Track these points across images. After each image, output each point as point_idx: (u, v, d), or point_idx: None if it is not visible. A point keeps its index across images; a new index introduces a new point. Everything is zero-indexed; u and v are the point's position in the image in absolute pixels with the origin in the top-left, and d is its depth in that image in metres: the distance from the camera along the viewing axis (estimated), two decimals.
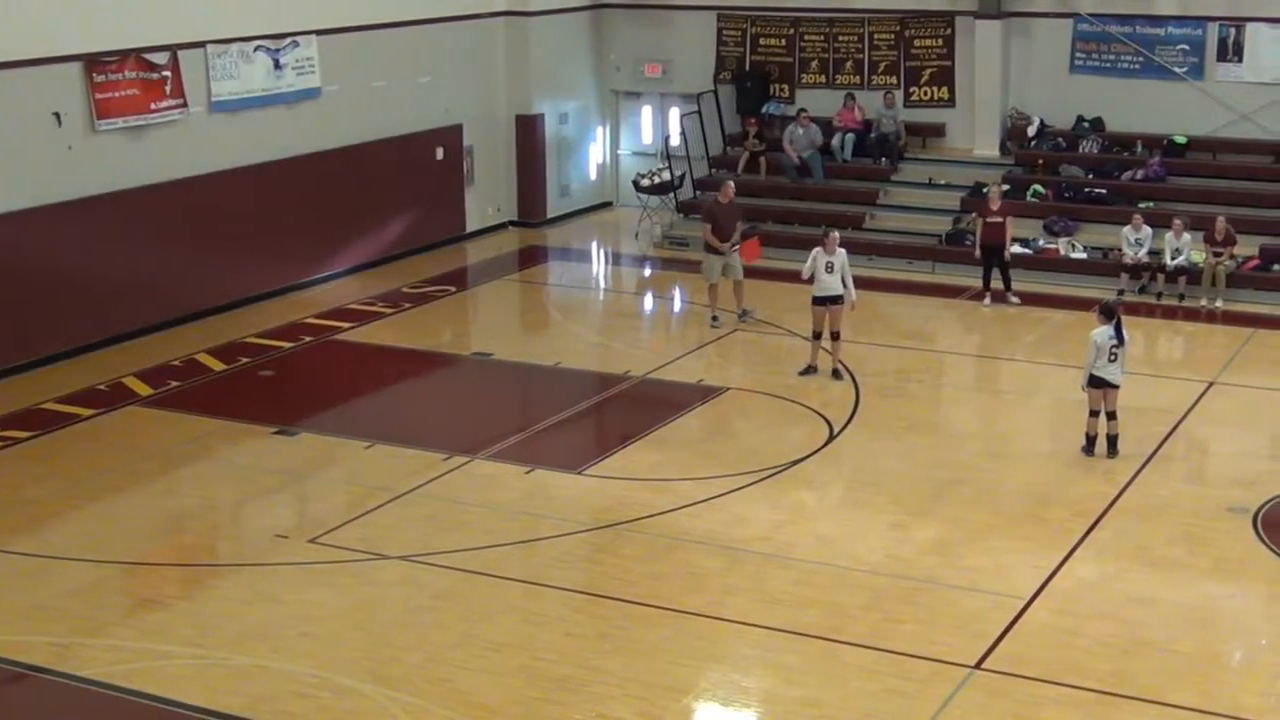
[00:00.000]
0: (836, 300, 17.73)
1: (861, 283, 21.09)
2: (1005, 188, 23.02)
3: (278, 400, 17.64)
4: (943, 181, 24.71)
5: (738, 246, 20.15)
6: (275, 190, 21.48)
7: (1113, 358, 15.11)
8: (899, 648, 11.48)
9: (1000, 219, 21.26)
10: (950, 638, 11.64)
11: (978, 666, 11.21)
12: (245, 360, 18.94)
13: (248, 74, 20.99)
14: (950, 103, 25.32)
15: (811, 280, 17.78)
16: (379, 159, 23.24)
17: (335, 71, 22.36)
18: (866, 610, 12.14)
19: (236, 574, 13.06)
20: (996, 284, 21.34)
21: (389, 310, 21.30)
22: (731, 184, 20.97)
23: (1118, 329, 15.07)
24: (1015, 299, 21.26)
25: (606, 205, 28.00)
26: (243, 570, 13.11)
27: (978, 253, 21.35)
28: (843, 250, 17.82)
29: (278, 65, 21.42)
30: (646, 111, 27.81)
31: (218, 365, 18.80)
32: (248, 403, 17.36)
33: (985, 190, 22.24)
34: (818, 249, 17.76)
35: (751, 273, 20.70)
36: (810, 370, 17.79)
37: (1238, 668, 11.45)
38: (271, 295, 21.55)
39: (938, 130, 25.44)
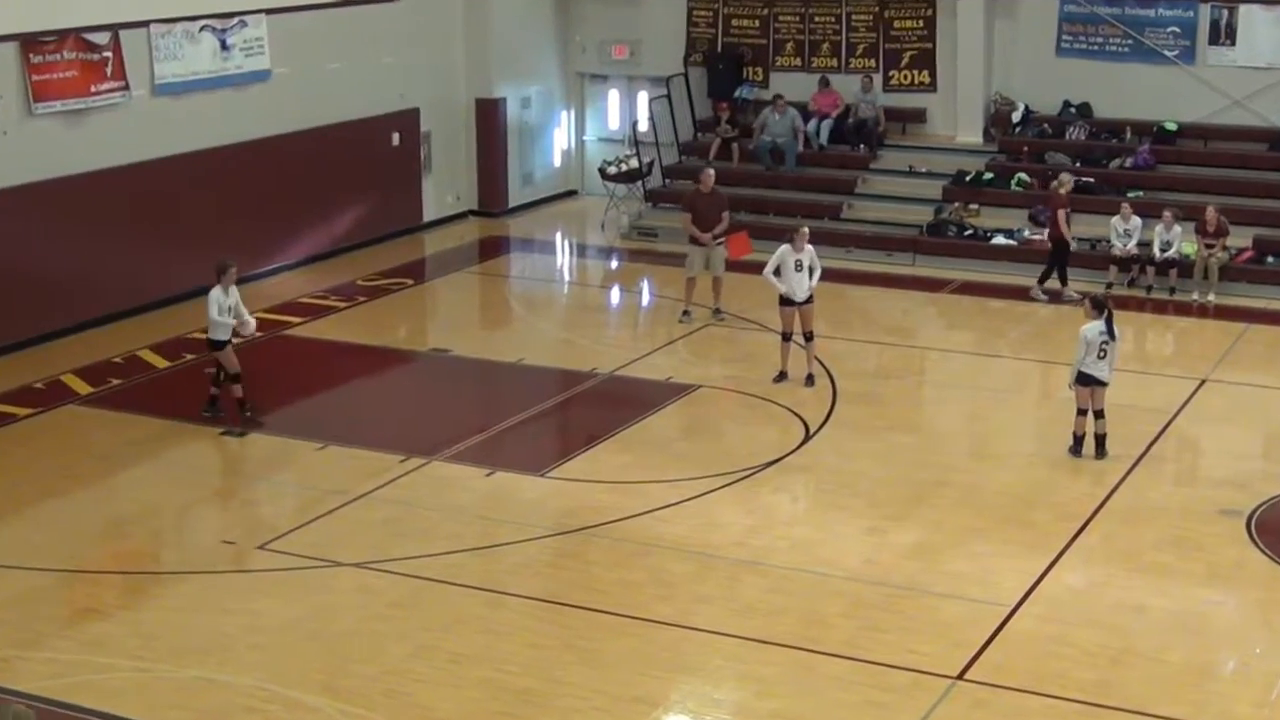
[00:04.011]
0: (806, 300, 17.49)
1: (839, 275, 21.68)
2: None
3: (225, 399, 17.33)
4: (924, 169, 24.59)
5: (722, 240, 19.89)
6: (222, 178, 21.29)
7: (1103, 354, 15.13)
8: (878, 657, 11.44)
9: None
10: (931, 647, 11.58)
11: (960, 677, 11.15)
12: (190, 357, 18.65)
13: (193, 55, 20.82)
14: (931, 87, 25.20)
15: (778, 274, 17.41)
16: (332, 145, 23.04)
17: (286, 53, 22.19)
18: (844, 618, 12.10)
19: (181, 582, 12.95)
20: (1053, 282, 20.92)
21: (342, 304, 21.12)
22: (711, 172, 20.77)
23: (1109, 324, 15.08)
24: (1075, 294, 20.61)
25: (571, 194, 27.88)
26: (188, 578, 13.00)
27: (1074, 244, 20.89)
28: (811, 247, 17.54)
29: (225, 46, 21.26)
30: (613, 95, 27.67)
31: (161, 362, 18.62)
32: (193, 402, 17.08)
33: (1056, 182, 21.39)
34: (785, 246, 17.48)
35: (726, 265, 20.52)
36: (783, 377, 17.66)
37: (1230, 677, 11.40)
38: None
39: (918, 116, 25.35)
